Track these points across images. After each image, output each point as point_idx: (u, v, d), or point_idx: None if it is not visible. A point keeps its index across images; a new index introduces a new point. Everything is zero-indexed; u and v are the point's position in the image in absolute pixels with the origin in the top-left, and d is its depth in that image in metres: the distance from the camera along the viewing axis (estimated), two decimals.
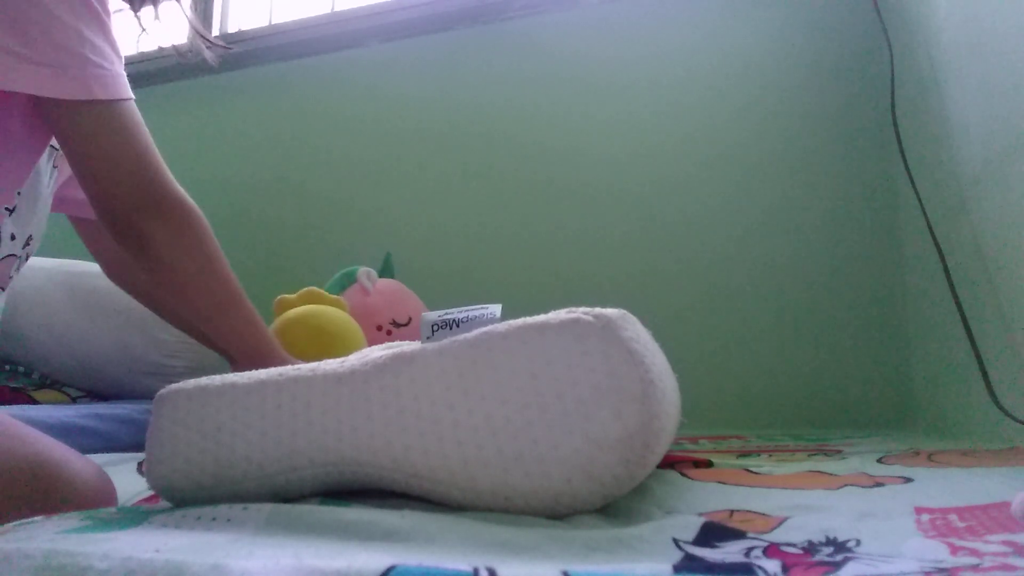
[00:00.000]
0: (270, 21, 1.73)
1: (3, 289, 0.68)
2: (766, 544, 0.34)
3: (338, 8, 1.65)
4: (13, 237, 0.66)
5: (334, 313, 0.88)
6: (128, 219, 0.63)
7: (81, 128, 0.59)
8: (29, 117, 0.61)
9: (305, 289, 0.90)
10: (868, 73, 1.22)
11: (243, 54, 1.65)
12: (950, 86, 0.94)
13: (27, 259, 0.71)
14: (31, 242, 0.70)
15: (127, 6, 0.74)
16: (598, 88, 1.40)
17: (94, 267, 1.22)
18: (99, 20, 0.58)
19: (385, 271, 1.21)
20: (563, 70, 1.43)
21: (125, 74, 0.61)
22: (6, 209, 0.62)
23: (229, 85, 1.69)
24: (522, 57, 1.46)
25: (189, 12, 0.80)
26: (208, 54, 0.85)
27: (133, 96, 0.62)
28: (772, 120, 1.28)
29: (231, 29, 1.78)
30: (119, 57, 0.61)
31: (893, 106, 1.12)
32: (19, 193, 0.64)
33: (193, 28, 0.83)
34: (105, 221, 0.64)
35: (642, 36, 1.39)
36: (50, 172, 0.71)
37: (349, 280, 1.12)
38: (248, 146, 1.68)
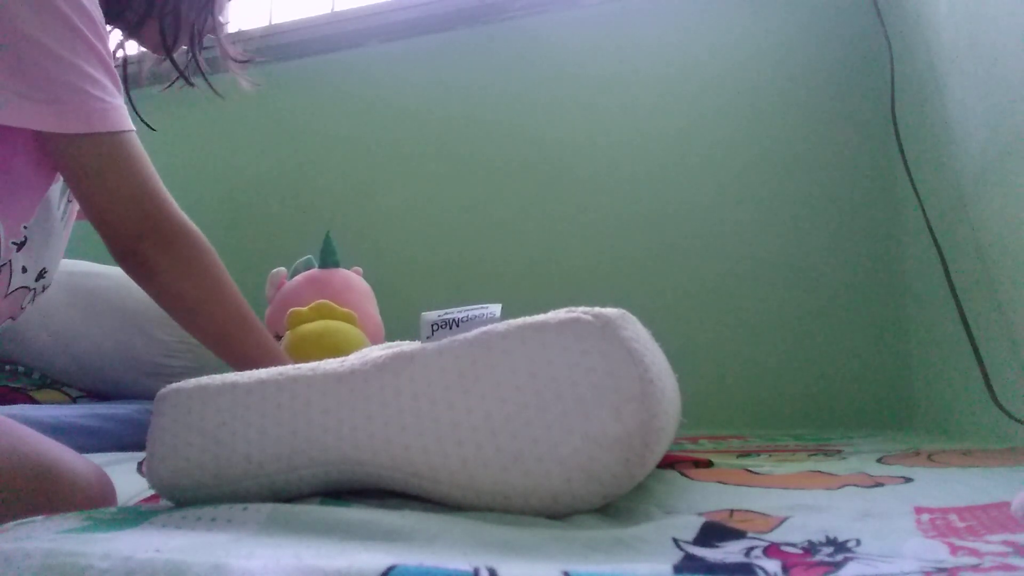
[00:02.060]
0: (270, 21, 1.73)
1: (13, 319, 0.69)
2: (766, 544, 0.34)
3: (338, 8, 1.65)
4: (25, 270, 0.66)
5: (349, 331, 0.88)
6: (132, 248, 0.64)
7: (82, 161, 0.60)
8: (34, 154, 0.62)
9: (317, 302, 0.90)
10: (868, 73, 1.22)
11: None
12: (950, 86, 0.94)
13: (43, 291, 0.72)
14: (45, 275, 0.70)
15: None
16: (599, 88, 1.40)
17: (94, 267, 1.22)
18: (97, 55, 0.59)
19: (325, 258, 1.12)
20: (563, 70, 1.43)
21: (125, 107, 0.62)
22: (13, 243, 0.63)
23: (233, 83, 1.69)
24: (522, 57, 1.46)
25: (228, 47, 0.82)
26: (245, 83, 0.87)
27: (134, 128, 0.63)
28: (772, 120, 1.28)
29: (231, 29, 1.78)
30: (119, 89, 0.62)
31: (893, 106, 1.12)
32: (25, 227, 0.64)
33: (232, 59, 0.85)
34: (111, 251, 0.65)
35: (641, 36, 1.39)
36: (64, 207, 0.72)
37: (307, 267, 1.11)
38: (248, 145, 1.68)
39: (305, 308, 0.89)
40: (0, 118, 0.55)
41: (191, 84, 0.82)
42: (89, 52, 0.58)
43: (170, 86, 0.83)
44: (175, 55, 0.78)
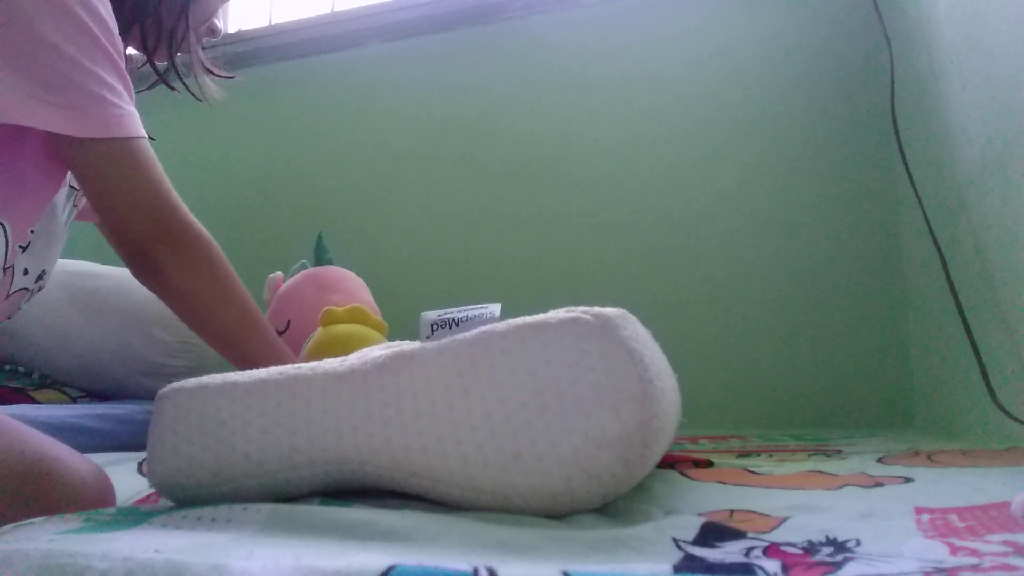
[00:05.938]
0: (270, 21, 1.73)
1: (9, 318, 0.70)
2: (766, 544, 0.34)
3: (338, 8, 1.65)
4: (26, 272, 0.68)
5: (378, 341, 0.88)
6: (143, 250, 0.66)
7: (97, 164, 0.61)
8: (42, 160, 0.63)
9: (353, 305, 0.92)
10: (868, 73, 1.22)
11: (243, 54, 1.65)
12: (950, 86, 0.94)
13: (39, 291, 0.72)
14: (43, 276, 0.72)
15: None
16: (598, 88, 1.40)
17: (94, 267, 1.22)
18: (113, 62, 0.61)
19: (319, 256, 1.15)
20: (563, 70, 1.43)
21: (137, 114, 0.64)
22: (20, 247, 0.64)
23: (229, 85, 1.69)
24: (522, 57, 1.46)
25: (202, 55, 0.83)
26: (214, 88, 0.88)
27: (146, 135, 0.65)
28: (772, 119, 1.28)
29: (231, 29, 1.78)
30: (132, 97, 0.64)
31: (893, 106, 1.12)
32: (32, 231, 0.66)
33: (205, 67, 0.86)
34: (121, 252, 0.67)
35: (642, 36, 1.39)
36: (68, 211, 0.74)
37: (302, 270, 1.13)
38: (248, 146, 1.68)
39: (341, 309, 0.90)
40: (19, 119, 0.56)
41: (171, 87, 0.83)
42: (106, 60, 0.60)
43: (150, 88, 0.84)
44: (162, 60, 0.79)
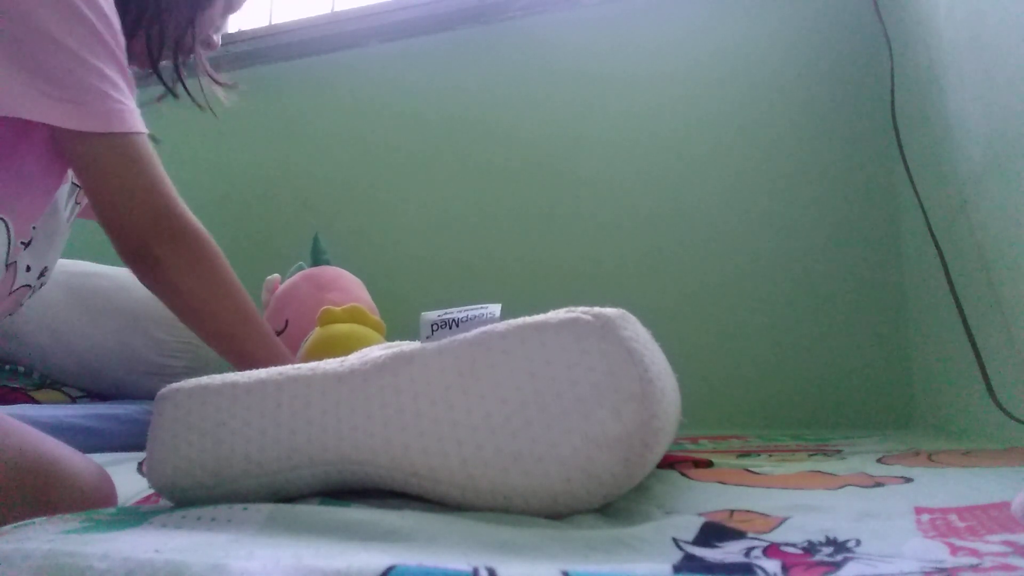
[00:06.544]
0: (270, 21, 1.73)
1: (11, 315, 0.70)
2: (766, 544, 0.34)
3: (338, 8, 1.65)
4: (28, 268, 0.68)
5: (376, 340, 0.88)
6: (141, 246, 0.65)
7: (98, 159, 0.62)
8: (45, 156, 0.63)
9: (351, 304, 0.92)
10: (868, 73, 1.22)
11: (243, 54, 1.65)
12: (950, 86, 0.94)
13: (40, 287, 0.72)
14: (45, 273, 0.72)
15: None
16: (598, 88, 1.40)
17: (94, 267, 1.22)
18: (115, 59, 0.61)
19: (316, 257, 1.16)
20: (564, 70, 1.43)
21: (138, 110, 0.64)
22: (22, 243, 0.65)
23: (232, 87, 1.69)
24: (523, 57, 1.46)
25: (206, 64, 0.83)
26: (222, 94, 0.89)
27: (147, 131, 0.65)
28: (772, 120, 1.28)
29: (231, 29, 1.78)
30: (133, 93, 0.64)
31: (893, 106, 1.12)
32: (34, 227, 0.66)
33: (209, 76, 0.86)
34: (119, 248, 0.67)
35: (642, 36, 1.39)
36: (71, 208, 0.74)
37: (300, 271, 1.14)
38: (248, 145, 1.68)
39: (339, 308, 0.90)
40: (23, 114, 0.56)
41: (175, 95, 0.83)
42: (108, 56, 0.60)
43: (158, 100, 0.84)
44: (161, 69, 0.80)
